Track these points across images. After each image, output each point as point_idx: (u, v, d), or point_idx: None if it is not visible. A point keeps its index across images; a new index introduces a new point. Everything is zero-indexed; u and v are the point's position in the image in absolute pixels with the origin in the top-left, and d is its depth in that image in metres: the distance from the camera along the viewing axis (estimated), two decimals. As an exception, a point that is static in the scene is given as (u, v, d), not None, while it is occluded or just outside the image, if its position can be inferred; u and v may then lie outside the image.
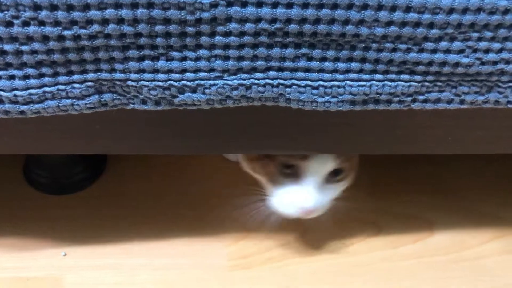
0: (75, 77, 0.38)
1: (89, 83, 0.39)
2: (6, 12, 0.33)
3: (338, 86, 0.40)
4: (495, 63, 0.39)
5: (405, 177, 0.73)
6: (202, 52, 0.37)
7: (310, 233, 0.66)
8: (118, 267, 0.60)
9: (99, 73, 0.38)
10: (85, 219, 0.65)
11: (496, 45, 0.38)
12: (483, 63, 0.39)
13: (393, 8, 0.35)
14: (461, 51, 0.38)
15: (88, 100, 0.40)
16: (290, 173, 0.55)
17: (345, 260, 0.63)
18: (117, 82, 0.39)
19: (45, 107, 0.40)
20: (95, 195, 0.68)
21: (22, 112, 0.39)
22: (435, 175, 0.74)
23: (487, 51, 0.38)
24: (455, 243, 0.65)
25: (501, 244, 0.65)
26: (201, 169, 0.73)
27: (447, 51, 0.38)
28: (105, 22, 0.35)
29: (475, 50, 0.38)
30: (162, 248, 0.62)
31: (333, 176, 0.56)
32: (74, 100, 0.40)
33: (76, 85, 0.39)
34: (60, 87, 0.39)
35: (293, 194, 0.54)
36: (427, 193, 0.72)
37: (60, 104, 0.40)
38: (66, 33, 0.35)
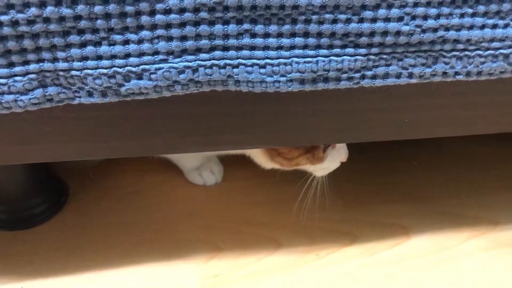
0: (17, 69, 0.37)
1: (32, 75, 0.38)
2: None
3: (285, 64, 0.40)
4: (435, 30, 0.40)
5: (374, 187, 0.72)
6: (144, 33, 0.37)
7: (283, 247, 0.63)
8: (81, 296, 0.56)
9: (41, 64, 0.37)
10: (45, 252, 0.61)
11: (433, 11, 0.39)
12: (423, 31, 0.40)
13: (327, -24, 0.36)
14: (400, 19, 0.39)
15: (32, 95, 0.39)
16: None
17: (321, 271, 0.60)
18: (61, 73, 0.38)
19: (-14, 104, 0.39)
20: (56, 228, 0.65)
21: (-39, 110, 0.38)
22: (403, 183, 0.73)
23: (425, 17, 0.39)
24: (434, 244, 0.63)
25: (480, 242, 0.63)
26: (164, 196, 0.71)
27: (387, 19, 0.39)
28: (42, 4, 0.35)
29: (413, 17, 0.39)
30: (128, 274, 0.59)
31: None
32: (17, 95, 0.39)
33: (18, 78, 0.38)
34: (1, 81, 0.38)
35: (337, 156, 0.62)
36: (398, 201, 0.70)
37: (2, 101, 0.39)
38: (3, 18, 0.35)
